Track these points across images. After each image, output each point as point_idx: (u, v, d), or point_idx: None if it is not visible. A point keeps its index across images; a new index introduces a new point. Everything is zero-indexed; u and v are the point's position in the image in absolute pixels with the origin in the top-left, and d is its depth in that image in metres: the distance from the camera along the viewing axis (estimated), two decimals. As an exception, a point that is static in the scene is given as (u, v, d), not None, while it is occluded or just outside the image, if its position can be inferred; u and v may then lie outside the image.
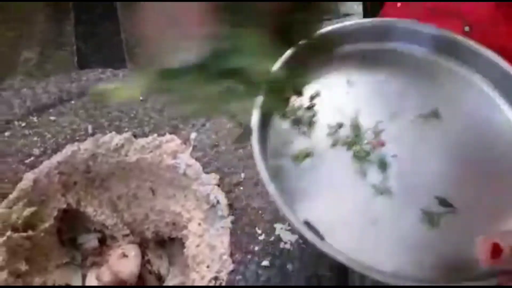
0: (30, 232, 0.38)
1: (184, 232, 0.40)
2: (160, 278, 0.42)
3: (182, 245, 0.42)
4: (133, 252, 0.41)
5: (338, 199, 0.31)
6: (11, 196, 0.37)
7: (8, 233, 0.36)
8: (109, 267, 0.40)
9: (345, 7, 0.76)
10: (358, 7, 0.74)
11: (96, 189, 0.42)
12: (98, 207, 0.42)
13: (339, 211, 0.30)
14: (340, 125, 0.34)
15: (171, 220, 0.42)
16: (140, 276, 0.41)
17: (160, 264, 0.43)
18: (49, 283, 0.40)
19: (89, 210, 0.41)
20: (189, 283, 0.37)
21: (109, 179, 0.42)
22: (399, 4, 0.55)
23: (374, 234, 0.29)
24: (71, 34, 0.72)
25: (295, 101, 0.33)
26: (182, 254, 0.42)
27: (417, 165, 0.32)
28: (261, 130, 0.31)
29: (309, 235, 0.27)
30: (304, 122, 0.34)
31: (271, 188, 0.28)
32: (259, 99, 0.30)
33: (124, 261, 0.40)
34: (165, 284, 0.41)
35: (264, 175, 0.29)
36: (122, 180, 0.42)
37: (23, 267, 0.37)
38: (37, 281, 0.38)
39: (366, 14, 0.64)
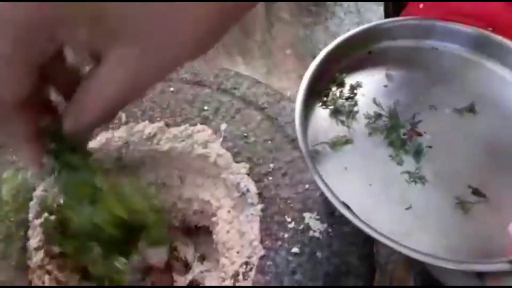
0: (62, 217, 0.39)
1: (213, 219, 0.41)
2: (186, 265, 0.43)
3: (209, 234, 0.43)
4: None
5: (374, 185, 0.32)
6: (48, 180, 0.39)
7: (45, 215, 0.38)
8: (138, 253, 0.41)
9: (364, 8, 0.77)
10: (378, 7, 0.76)
11: (127, 176, 0.43)
12: (128, 194, 0.43)
13: (375, 197, 0.32)
14: (378, 115, 0.36)
15: (199, 208, 0.43)
16: (168, 263, 0.42)
17: (186, 252, 0.44)
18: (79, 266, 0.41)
19: (120, 197, 0.42)
20: (217, 269, 0.38)
21: (139, 167, 0.43)
22: (421, 5, 0.56)
23: (408, 219, 0.30)
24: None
25: (335, 91, 0.35)
26: (209, 242, 0.43)
27: (451, 156, 0.34)
28: (302, 118, 0.32)
29: (349, 215, 0.28)
30: (344, 111, 0.35)
31: (311, 167, 0.29)
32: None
33: (154, 247, 0.41)
34: (190, 271, 0.42)
35: (306, 157, 0.30)
36: (152, 168, 0.44)
37: (57, 249, 0.39)
38: (69, 264, 0.39)
39: (387, 15, 0.65)
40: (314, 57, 0.67)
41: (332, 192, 0.29)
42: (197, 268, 0.42)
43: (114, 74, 0.21)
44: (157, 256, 0.41)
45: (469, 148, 0.34)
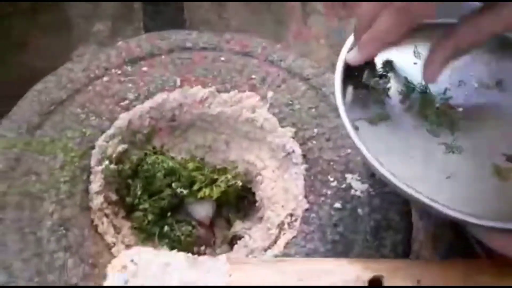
0: (120, 167, 0.42)
1: (258, 178, 0.44)
2: (228, 221, 0.46)
3: (252, 195, 0.45)
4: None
5: (413, 157, 0.34)
6: (108, 132, 0.42)
7: (106, 163, 0.41)
8: (186, 209, 0.44)
9: None
10: None
11: (177, 138, 0.46)
12: (178, 155, 0.46)
13: (415, 168, 0.34)
14: (411, 91, 0.38)
15: (243, 170, 0.45)
16: (211, 220, 0.45)
17: (229, 211, 0.46)
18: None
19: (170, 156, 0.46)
20: (261, 223, 0.41)
21: (189, 130, 0.46)
22: None
23: (449, 188, 0.32)
24: (140, 11, 0.77)
25: (368, 69, 0.37)
26: (250, 204, 0.46)
27: (483, 127, 0.36)
28: (342, 94, 0.34)
29: (395, 180, 0.30)
30: (378, 89, 0.38)
31: (354, 135, 0.32)
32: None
33: (200, 203, 0.44)
34: (232, 228, 0.45)
35: (347, 126, 0.33)
36: (201, 132, 0.46)
37: (114, 196, 0.42)
38: (122, 211, 0.43)
39: None
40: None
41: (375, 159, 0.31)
42: (238, 226, 0.44)
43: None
44: (202, 212, 0.44)
45: (499, 119, 0.36)
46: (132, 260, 0.30)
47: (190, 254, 0.32)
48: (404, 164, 0.34)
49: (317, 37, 0.75)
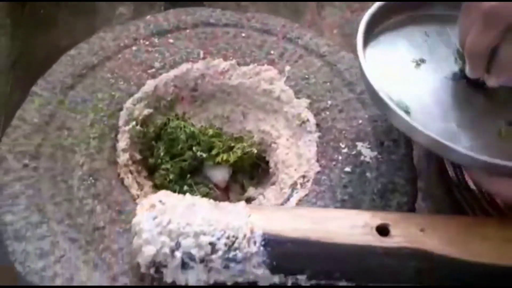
0: (145, 129, 0.45)
1: (273, 146, 0.46)
2: (243, 187, 0.48)
3: (266, 164, 0.48)
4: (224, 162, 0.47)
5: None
6: (136, 96, 0.45)
7: (132, 123, 0.44)
8: (204, 172, 0.47)
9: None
10: None
11: (197, 107, 0.49)
12: (197, 123, 0.49)
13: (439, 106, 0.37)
14: (422, 60, 0.41)
15: (259, 139, 0.48)
16: (227, 184, 0.47)
17: (243, 177, 0.49)
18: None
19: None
20: (275, 185, 0.44)
21: (209, 101, 0.49)
22: None
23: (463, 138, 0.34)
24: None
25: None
26: (263, 172, 0.49)
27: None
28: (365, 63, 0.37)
29: (412, 122, 0.33)
30: None
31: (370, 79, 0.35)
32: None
33: (218, 168, 0.47)
34: (246, 193, 0.47)
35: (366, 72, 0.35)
36: (220, 103, 0.49)
37: (138, 156, 0.45)
38: (144, 171, 0.45)
39: None
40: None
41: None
42: (252, 191, 0.47)
43: None
44: (219, 176, 0.47)
45: None
46: (160, 201, 0.33)
47: (212, 200, 0.35)
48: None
49: (331, 27, 0.78)
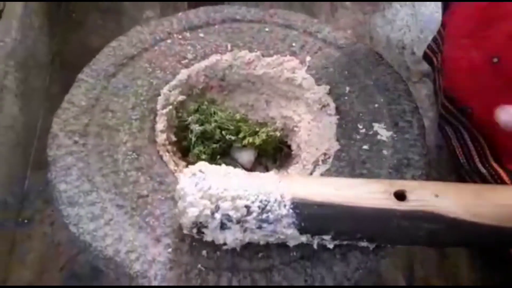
0: (179, 114, 0.50)
1: (295, 129, 0.50)
2: (266, 169, 0.52)
3: (288, 148, 0.52)
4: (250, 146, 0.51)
5: None
6: (171, 83, 0.49)
7: (169, 107, 0.48)
8: (232, 154, 0.51)
9: (419, 2, 0.87)
10: (430, 3, 0.85)
11: (225, 96, 0.54)
12: (225, 111, 0.53)
13: None
14: None
15: (281, 125, 0.52)
16: (252, 165, 0.52)
17: (267, 160, 0.53)
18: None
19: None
20: (298, 164, 0.48)
21: (235, 90, 0.54)
22: None
23: None
24: (185, 1, 0.86)
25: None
26: (286, 156, 0.53)
27: None
28: None
29: None
30: None
31: None
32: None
33: (244, 150, 0.51)
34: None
35: None
36: (245, 92, 0.54)
37: (173, 137, 0.49)
38: (179, 152, 0.50)
39: None
40: (371, 37, 0.78)
41: None
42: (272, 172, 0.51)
43: None
44: (245, 157, 0.51)
45: None
46: (200, 170, 0.37)
47: (245, 170, 0.39)
48: None
49: (344, 28, 0.82)
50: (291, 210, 0.36)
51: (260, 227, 0.36)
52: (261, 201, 0.36)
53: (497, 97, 0.55)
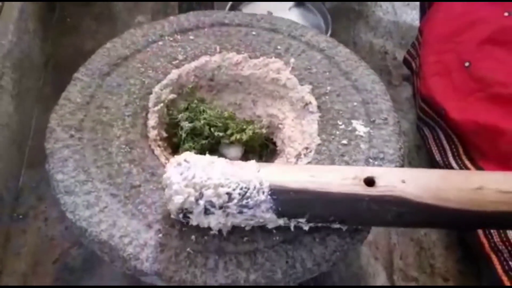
0: (170, 112, 0.53)
1: (279, 126, 0.53)
2: (253, 164, 0.55)
3: (273, 145, 0.55)
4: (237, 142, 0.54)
5: None
6: (163, 82, 0.52)
7: (161, 105, 0.51)
8: (220, 150, 0.54)
9: (400, 10, 0.91)
10: (411, 11, 0.90)
11: (213, 95, 0.57)
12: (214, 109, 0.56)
13: None
14: None
15: (267, 123, 0.55)
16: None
17: (253, 156, 0.56)
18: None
19: (207, 109, 0.56)
20: (282, 157, 0.51)
21: (224, 90, 0.57)
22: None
23: None
24: (175, 8, 0.89)
25: None
26: (271, 153, 0.56)
27: None
28: None
29: None
30: None
31: None
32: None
33: (232, 146, 0.54)
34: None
35: None
36: (233, 92, 0.57)
37: (164, 133, 0.52)
38: (169, 148, 0.52)
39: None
40: (354, 43, 0.82)
41: None
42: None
43: None
44: (233, 153, 0.54)
45: None
46: (185, 159, 0.40)
47: (227, 159, 0.42)
48: None
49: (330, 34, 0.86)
50: (269, 196, 0.39)
51: (241, 212, 0.39)
52: (241, 188, 0.39)
53: (468, 98, 0.59)
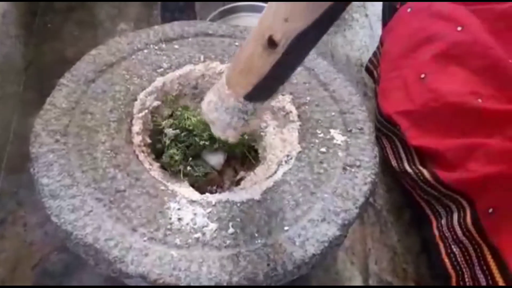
0: (154, 119, 0.54)
1: (261, 134, 0.55)
2: (235, 171, 0.57)
3: (255, 152, 0.57)
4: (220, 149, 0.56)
5: None
6: (147, 89, 0.53)
7: (145, 111, 0.52)
8: (203, 157, 0.55)
9: (376, 25, 0.95)
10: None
11: (197, 103, 0.58)
12: (197, 116, 0.57)
13: None
14: None
15: (250, 132, 0.57)
16: (222, 167, 0.56)
17: (235, 163, 0.57)
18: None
19: (190, 116, 0.57)
20: (263, 164, 0.52)
21: (207, 97, 0.58)
22: (409, 9, 0.72)
23: None
24: (158, 17, 0.90)
25: None
26: (253, 159, 0.57)
27: None
28: None
29: None
30: None
31: None
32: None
33: (215, 153, 0.55)
34: (238, 176, 0.55)
35: None
36: (216, 100, 0.58)
37: (148, 139, 0.53)
38: (152, 153, 0.53)
39: (384, 20, 0.82)
40: (332, 55, 0.85)
41: None
42: (242, 174, 0.55)
43: None
44: (216, 159, 0.55)
45: None
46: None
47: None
48: None
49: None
50: None
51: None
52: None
53: (422, 110, 0.62)
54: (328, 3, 0.31)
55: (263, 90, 0.39)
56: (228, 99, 0.40)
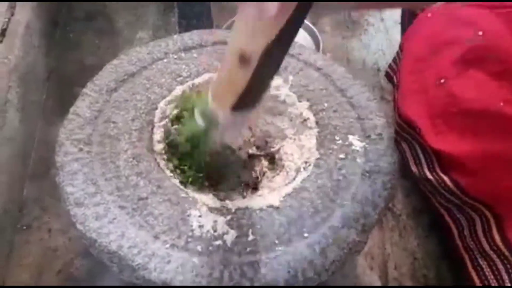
0: (175, 126, 0.55)
1: (278, 141, 0.56)
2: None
3: (273, 159, 0.57)
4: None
5: None
6: (167, 98, 0.54)
7: (166, 120, 0.53)
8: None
9: (392, 29, 0.94)
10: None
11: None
12: (215, 123, 0.58)
13: None
14: None
15: (268, 138, 0.58)
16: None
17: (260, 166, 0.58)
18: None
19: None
20: (282, 171, 0.53)
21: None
22: (429, 14, 0.72)
23: None
24: (175, 24, 0.92)
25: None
26: (269, 165, 0.58)
27: None
28: None
29: None
30: None
31: None
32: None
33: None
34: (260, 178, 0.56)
35: None
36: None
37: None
38: (172, 162, 0.54)
39: (403, 26, 0.81)
40: (348, 60, 0.85)
41: None
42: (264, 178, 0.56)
43: None
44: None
45: None
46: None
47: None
48: None
49: (324, 51, 0.89)
50: None
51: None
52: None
53: (442, 116, 0.61)
54: (285, 17, 0.33)
55: (246, 100, 0.40)
56: (216, 112, 0.42)
